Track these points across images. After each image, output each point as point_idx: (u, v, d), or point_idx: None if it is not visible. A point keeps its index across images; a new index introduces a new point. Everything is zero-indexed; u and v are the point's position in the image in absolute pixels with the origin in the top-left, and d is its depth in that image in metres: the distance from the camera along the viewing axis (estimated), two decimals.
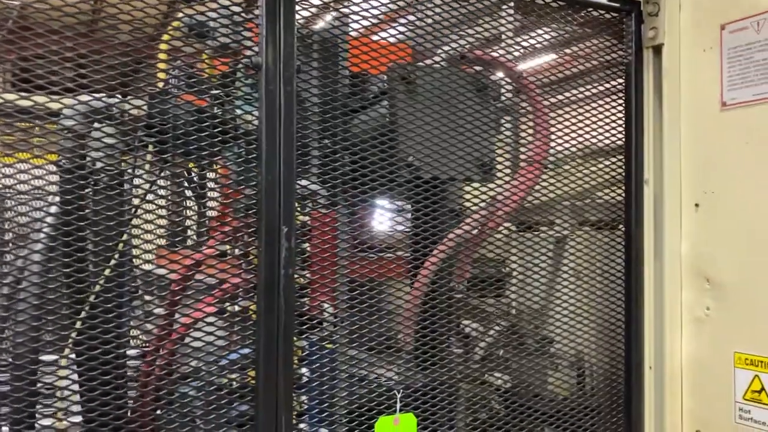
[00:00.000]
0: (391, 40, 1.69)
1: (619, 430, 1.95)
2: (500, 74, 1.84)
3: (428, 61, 1.73)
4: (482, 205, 1.80)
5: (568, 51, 1.97)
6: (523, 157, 1.87)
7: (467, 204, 1.80)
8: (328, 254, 1.59)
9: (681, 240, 1.88)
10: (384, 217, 1.77)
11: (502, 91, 1.84)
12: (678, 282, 1.88)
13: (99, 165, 1.39)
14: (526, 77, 1.84)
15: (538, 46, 1.91)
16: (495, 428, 1.77)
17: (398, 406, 1.57)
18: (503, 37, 1.89)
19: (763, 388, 1.67)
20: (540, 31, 1.92)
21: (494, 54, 1.81)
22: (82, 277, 1.34)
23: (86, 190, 1.38)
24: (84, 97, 1.35)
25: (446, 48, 1.74)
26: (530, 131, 1.89)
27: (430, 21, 1.66)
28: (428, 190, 1.66)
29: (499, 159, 1.82)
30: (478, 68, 1.78)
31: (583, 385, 2.06)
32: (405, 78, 1.63)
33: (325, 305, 1.62)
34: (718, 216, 1.79)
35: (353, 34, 1.65)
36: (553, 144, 1.87)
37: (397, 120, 1.62)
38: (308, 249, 1.61)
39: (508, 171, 1.85)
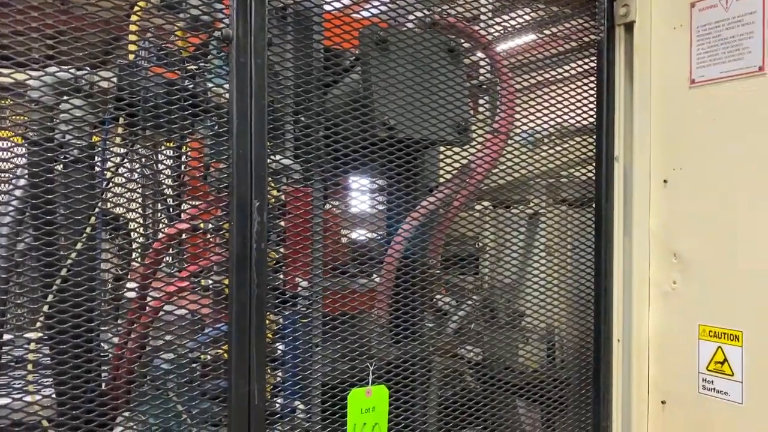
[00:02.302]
0: (365, 14, 1.69)
1: (587, 402, 2.00)
2: (470, 43, 1.85)
3: (400, 25, 1.73)
4: (453, 172, 1.81)
5: (541, 28, 1.98)
6: (488, 128, 1.88)
7: (439, 171, 1.81)
8: (302, 229, 1.59)
9: (650, 216, 1.92)
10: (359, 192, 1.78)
11: (472, 57, 1.85)
12: (646, 257, 1.92)
13: (68, 138, 1.38)
14: (493, 47, 1.85)
15: (512, 22, 1.92)
16: (466, 400, 1.81)
17: (370, 378, 1.59)
18: (479, 11, 1.89)
19: (725, 359, 1.72)
20: (515, 9, 1.93)
21: (463, 22, 1.81)
22: (52, 250, 1.33)
23: (55, 164, 1.37)
24: (52, 69, 1.33)
25: (419, 14, 1.74)
26: (497, 102, 1.90)
27: None
28: (403, 155, 1.66)
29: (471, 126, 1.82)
30: (449, 35, 1.78)
31: (553, 357, 2.11)
32: (378, 42, 1.63)
33: (299, 280, 1.63)
34: (686, 192, 1.83)
35: (327, 7, 1.65)
36: (520, 117, 1.88)
37: (371, 80, 1.62)
38: (282, 224, 1.61)
39: (475, 137, 1.85)
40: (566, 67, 1.96)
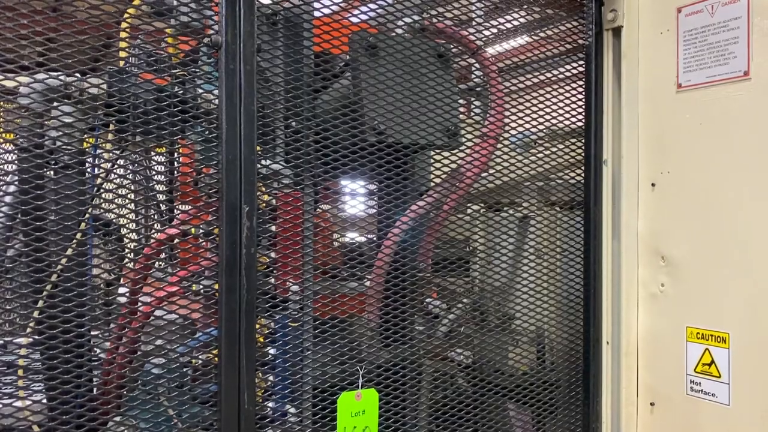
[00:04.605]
0: (354, 20, 1.70)
1: (577, 403, 2.01)
2: (459, 47, 1.86)
3: (390, 30, 1.74)
4: (442, 177, 1.82)
5: (529, 33, 1.99)
6: (477, 132, 1.89)
7: (429, 175, 1.82)
8: (291, 234, 1.60)
9: (638, 219, 1.93)
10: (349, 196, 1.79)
11: (461, 62, 1.86)
12: (635, 260, 1.94)
13: (58, 144, 1.38)
14: (483, 52, 1.87)
15: (501, 27, 1.93)
16: (457, 402, 1.82)
17: (360, 381, 1.60)
18: (469, 15, 1.91)
19: (713, 361, 1.74)
20: (505, 14, 1.94)
21: (453, 27, 1.83)
22: (42, 257, 1.34)
23: (45, 170, 1.37)
24: (41, 75, 1.34)
25: (408, 20, 1.75)
26: (487, 106, 1.91)
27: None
28: (393, 159, 1.67)
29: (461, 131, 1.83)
30: (439, 40, 1.79)
31: (543, 360, 2.12)
32: (368, 47, 1.64)
33: (289, 284, 1.63)
34: (674, 195, 1.85)
35: (316, 13, 1.66)
36: (509, 121, 1.89)
37: (360, 85, 1.63)
38: (272, 229, 1.62)
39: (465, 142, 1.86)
40: (555, 72, 1.97)
